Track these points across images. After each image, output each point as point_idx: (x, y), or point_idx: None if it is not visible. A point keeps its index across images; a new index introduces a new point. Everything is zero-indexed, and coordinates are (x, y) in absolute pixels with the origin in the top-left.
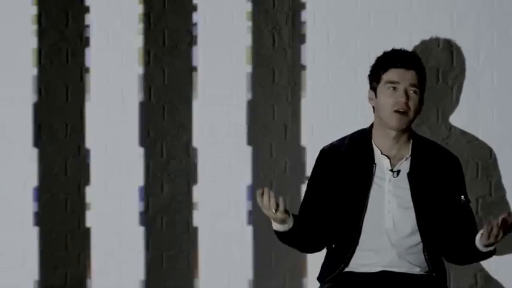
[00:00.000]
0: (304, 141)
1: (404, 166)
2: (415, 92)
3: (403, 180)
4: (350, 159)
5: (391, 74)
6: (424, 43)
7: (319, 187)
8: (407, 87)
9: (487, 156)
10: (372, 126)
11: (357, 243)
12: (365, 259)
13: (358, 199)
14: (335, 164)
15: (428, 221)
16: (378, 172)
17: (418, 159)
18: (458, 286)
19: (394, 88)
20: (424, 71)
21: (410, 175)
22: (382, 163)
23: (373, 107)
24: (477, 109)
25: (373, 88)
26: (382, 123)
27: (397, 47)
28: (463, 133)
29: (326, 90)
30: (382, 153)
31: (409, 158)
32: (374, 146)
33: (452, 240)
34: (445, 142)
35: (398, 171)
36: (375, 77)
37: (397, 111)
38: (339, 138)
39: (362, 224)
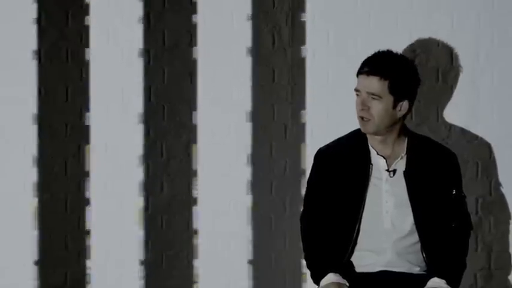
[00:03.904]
0: (304, 141)
1: (400, 165)
2: (376, 99)
3: (400, 179)
4: (347, 160)
5: (357, 81)
6: (424, 43)
7: (322, 189)
8: (366, 96)
9: (487, 156)
10: None
11: (355, 243)
12: (364, 259)
13: (356, 200)
14: (332, 165)
15: (426, 219)
16: (374, 172)
17: (414, 157)
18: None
19: (357, 95)
20: (398, 74)
21: (406, 173)
22: (378, 163)
23: None
24: (477, 109)
25: None
26: None
27: (397, 47)
28: (463, 133)
29: (326, 90)
30: (378, 154)
31: (405, 157)
32: (370, 146)
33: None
34: (445, 142)
35: (394, 171)
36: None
37: (360, 118)
38: (341, 136)
39: (360, 224)
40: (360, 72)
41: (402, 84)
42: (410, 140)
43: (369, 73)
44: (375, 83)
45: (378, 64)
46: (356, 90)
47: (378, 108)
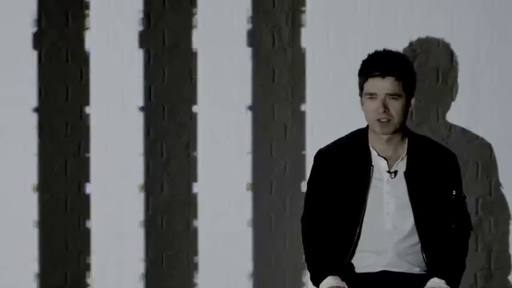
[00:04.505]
0: (304, 141)
1: (401, 166)
2: (395, 98)
3: (401, 180)
4: (347, 162)
5: (368, 85)
6: (424, 43)
7: (323, 190)
8: (384, 97)
9: (487, 156)
10: (368, 127)
11: (356, 245)
12: (365, 260)
13: (357, 202)
14: (333, 166)
15: (426, 220)
16: (375, 174)
17: (414, 157)
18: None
19: (373, 98)
20: (408, 72)
21: (407, 174)
22: (379, 165)
23: None
24: (477, 109)
25: (360, 95)
26: (371, 128)
27: (397, 47)
28: (463, 133)
29: (326, 90)
30: (379, 155)
31: (405, 157)
32: (371, 148)
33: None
34: (445, 142)
35: (395, 172)
36: (359, 84)
37: (378, 120)
38: (338, 138)
39: (361, 226)
40: (370, 76)
41: (412, 82)
42: (410, 141)
43: (385, 74)
44: (392, 84)
45: (390, 65)
46: (370, 94)
47: (397, 107)
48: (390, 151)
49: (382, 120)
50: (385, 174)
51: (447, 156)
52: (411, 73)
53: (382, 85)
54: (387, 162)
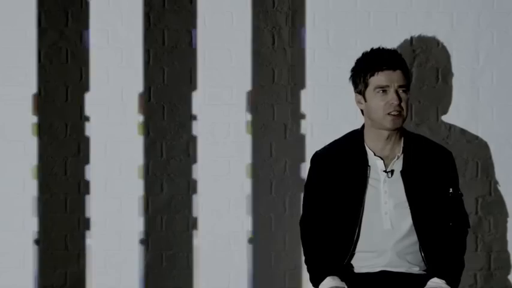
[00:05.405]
0: (304, 141)
1: (398, 165)
2: (404, 91)
3: (398, 180)
4: (344, 163)
5: (379, 78)
6: (424, 43)
7: (320, 192)
8: (397, 89)
9: (486, 156)
10: (363, 127)
11: (355, 246)
12: (364, 260)
13: (355, 203)
14: (330, 168)
15: (424, 219)
16: (372, 174)
17: (410, 156)
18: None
19: (384, 91)
20: (407, 68)
21: (403, 173)
22: (376, 164)
23: (362, 110)
24: (477, 109)
25: (360, 91)
26: (375, 124)
27: (397, 46)
28: (463, 133)
29: (326, 90)
30: (375, 155)
31: (401, 156)
32: (367, 148)
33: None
34: (445, 142)
35: (392, 171)
36: (361, 80)
37: (390, 114)
38: (337, 138)
39: (360, 227)
40: (381, 69)
41: (410, 77)
42: (406, 140)
43: (395, 67)
44: (402, 76)
45: (397, 59)
46: (382, 86)
47: (406, 100)
48: (387, 150)
49: (394, 114)
50: (382, 174)
51: (443, 155)
52: (408, 69)
53: (394, 77)
54: (384, 162)
